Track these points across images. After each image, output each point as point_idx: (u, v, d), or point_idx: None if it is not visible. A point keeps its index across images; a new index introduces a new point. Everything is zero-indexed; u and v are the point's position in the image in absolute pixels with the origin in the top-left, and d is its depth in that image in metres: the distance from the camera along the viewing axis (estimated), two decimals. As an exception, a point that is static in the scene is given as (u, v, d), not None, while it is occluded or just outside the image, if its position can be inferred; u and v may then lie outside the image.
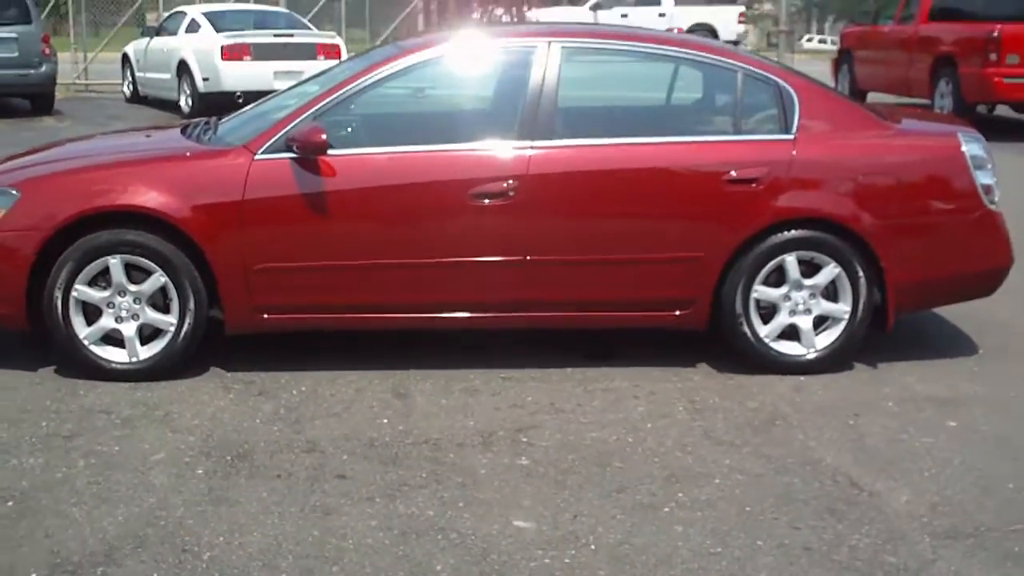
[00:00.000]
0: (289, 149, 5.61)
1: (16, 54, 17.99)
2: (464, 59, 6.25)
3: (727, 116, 6.13)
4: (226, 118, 6.59)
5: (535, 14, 31.15)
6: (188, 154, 5.93)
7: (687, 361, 5.97)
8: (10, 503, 4.31)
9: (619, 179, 5.75)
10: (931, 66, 16.92)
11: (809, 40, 58.55)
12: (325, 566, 3.83)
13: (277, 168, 5.62)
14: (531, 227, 5.68)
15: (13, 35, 18.01)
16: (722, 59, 6.14)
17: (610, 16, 25.72)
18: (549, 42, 5.95)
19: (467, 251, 5.68)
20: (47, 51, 18.40)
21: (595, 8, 26.96)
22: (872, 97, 18.18)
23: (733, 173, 5.71)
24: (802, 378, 5.75)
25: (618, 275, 5.77)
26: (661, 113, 6.67)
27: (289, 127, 5.67)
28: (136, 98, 21.13)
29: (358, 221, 5.68)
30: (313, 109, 5.76)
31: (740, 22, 31.20)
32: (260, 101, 6.84)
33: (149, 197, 5.55)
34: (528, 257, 5.68)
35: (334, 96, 5.82)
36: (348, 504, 4.32)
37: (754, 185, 5.70)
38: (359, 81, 5.87)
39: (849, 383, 5.74)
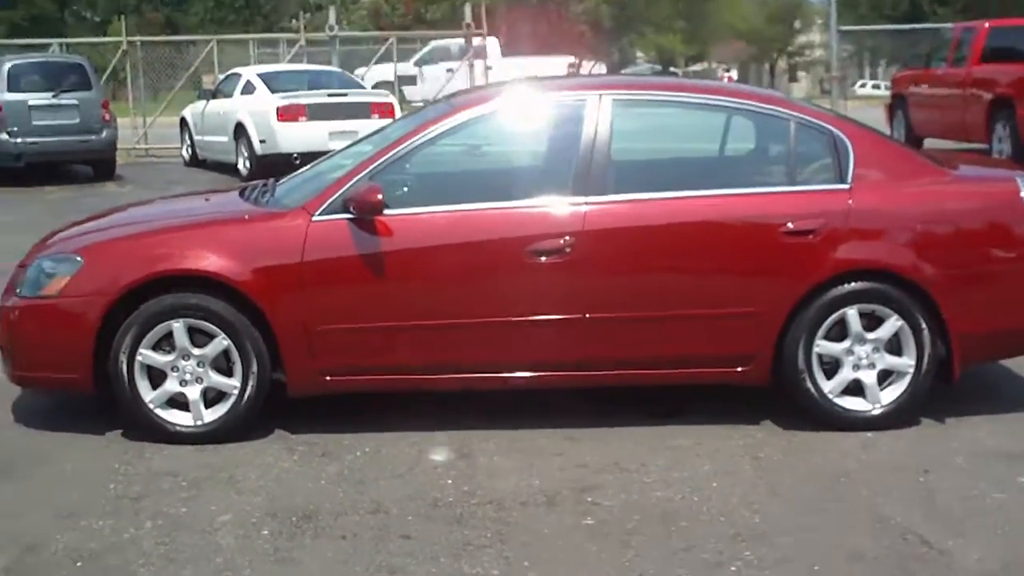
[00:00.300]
0: (346, 210, 5.66)
1: (77, 120, 18.29)
2: (515, 115, 6.29)
3: (781, 166, 6.11)
4: (283, 180, 6.67)
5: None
6: (247, 217, 6.00)
7: (751, 418, 5.92)
8: (79, 564, 4.37)
9: (675, 233, 5.74)
10: (987, 109, 16.70)
11: (862, 86, 58.45)
12: (392, 630, 3.83)
13: (335, 229, 5.67)
14: (589, 284, 5.68)
15: (74, 102, 18.33)
16: (774, 108, 6.13)
17: (436, 70, 25.22)
18: (600, 95, 5.97)
19: (525, 309, 5.69)
20: (107, 117, 18.68)
21: (420, 64, 26.79)
22: (929, 143, 18.03)
23: (790, 225, 5.68)
24: (869, 434, 5.67)
25: (677, 331, 5.74)
26: (715, 164, 6.65)
27: (345, 188, 5.72)
28: (195, 161, 21.39)
29: (416, 280, 5.71)
30: (368, 169, 5.81)
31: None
32: (316, 162, 6.91)
33: (210, 261, 5.62)
34: (587, 315, 5.67)
35: (388, 155, 5.87)
36: (413, 564, 4.32)
37: (811, 237, 5.67)
38: (413, 140, 5.92)
39: (917, 438, 5.67)
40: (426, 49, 27.48)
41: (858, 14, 51.03)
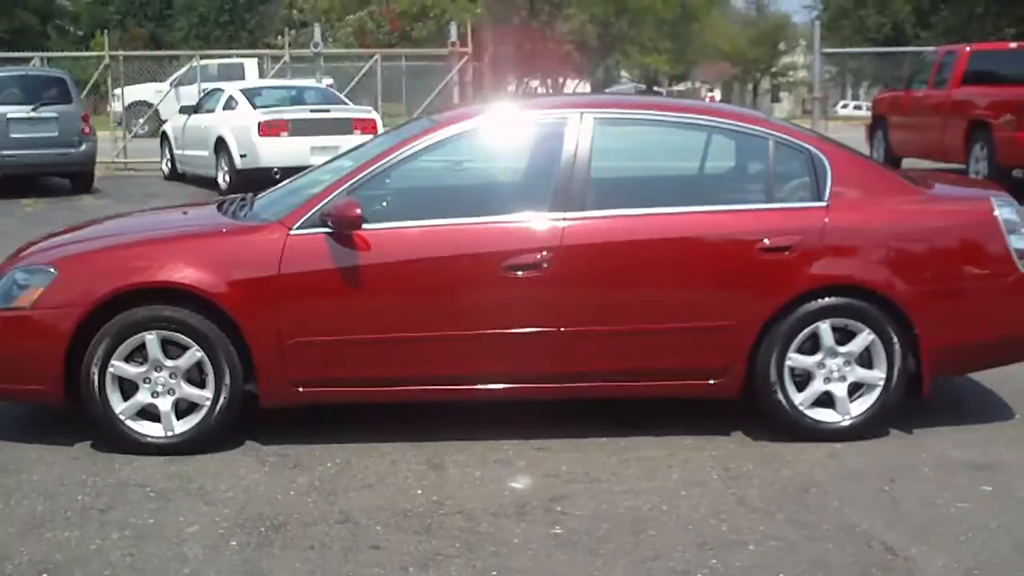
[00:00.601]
0: (324, 224, 5.67)
1: (56, 134, 18.26)
2: (496, 132, 6.31)
3: (759, 184, 6.13)
4: (262, 194, 6.68)
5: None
6: (224, 230, 6.01)
7: (721, 429, 5.95)
8: (44, 575, 4.34)
9: (652, 249, 5.78)
10: (965, 131, 16.86)
11: (844, 107, 58.73)
12: (358, 638, 3.83)
13: (312, 243, 5.68)
14: (565, 298, 5.70)
15: (54, 115, 18.30)
16: (753, 127, 6.18)
17: (190, 91, 24.76)
18: (581, 113, 6.01)
19: (501, 323, 5.71)
20: (87, 130, 18.64)
21: (176, 84, 26.71)
22: (907, 163, 18.15)
23: (766, 241, 5.72)
24: (837, 445, 5.72)
25: (652, 345, 5.77)
26: (694, 182, 6.69)
27: (324, 202, 5.73)
28: (174, 175, 21.34)
29: (393, 295, 5.72)
30: (347, 184, 5.82)
31: None
32: (295, 177, 6.93)
33: (185, 273, 5.62)
34: (562, 328, 5.69)
35: (368, 171, 5.89)
36: (382, 574, 4.32)
37: (787, 253, 5.72)
38: (393, 156, 5.94)
39: (884, 449, 5.71)
40: (183, 70, 27.30)
41: (841, 36, 51.34)
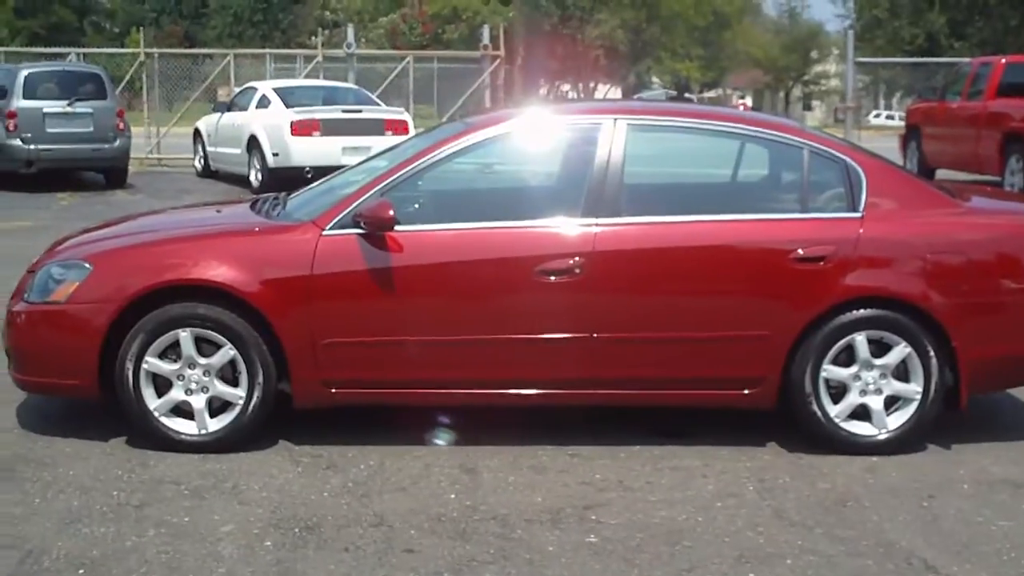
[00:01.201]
0: (357, 225, 5.66)
1: (91, 129, 18.41)
2: (530, 136, 6.29)
3: (794, 193, 6.09)
4: (295, 194, 6.68)
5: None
6: (257, 229, 6.01)
7: (757, 440, 5.91)
8: (81, 571, 4.35)
9: (685, 257, 5.74)
10: (1000, 142, 16.79)
11: (876, 116, 58.52)
12: (392, 643, 3.81)
13: (345, 244, 5.67)
14: (598, 304, 5.68)
15: (89, 110, 18.45)
16: (788, 136, 6.14)
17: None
18: (615, 119, 5.98)
19: (533, 328, 5.69)
20: (121, 126, 18.80)
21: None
22: (941, 174, 18.06)
23: (800, 251, 5.68)
24: (874, 459, 5.66)
25: (685, 353, 5.74)
26: (727, 190, 6.66)
27: (357, 203, 5.73)
28: (207, 173, 21.44)
29: (425, 297, 5.71)
30: (380, 185, 5.81)
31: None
32: (328, 177, 6.92)
33: (219, 271, 5.62)
34: (595, 335, 5.67)
35: (401, 172, 5.88)
36: (415, 579, 4.31)
37: (822, 263, 5.67)
38: (426, 158, 5.93)
39: (923, 464, 5.65)
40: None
41: (875, 46, 51.05)
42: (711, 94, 74.71)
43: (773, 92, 76.57)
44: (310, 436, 5.87)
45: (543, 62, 49.02)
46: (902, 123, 22.96)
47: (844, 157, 5.99)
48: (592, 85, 53.77)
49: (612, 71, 56.33)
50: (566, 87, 52.81)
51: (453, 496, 5.16)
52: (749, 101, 73.25)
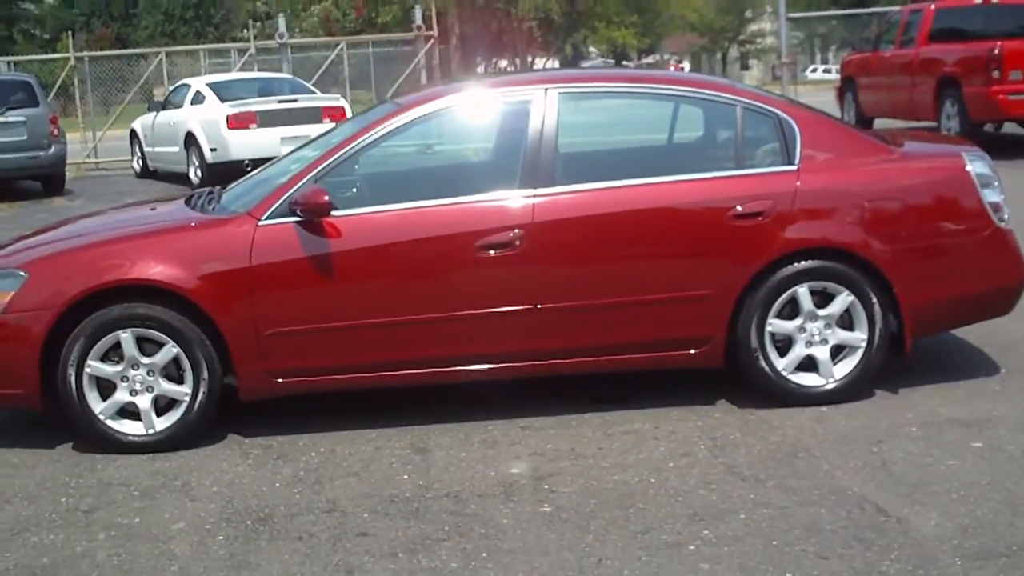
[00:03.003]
0: (293, 213, 5.62)
1: (25, 137, 18.17)
2: (462, 112, 6.24)
3: (729, 151, 6.10)
4: (229, 186, 6.62)
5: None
6: (193, 224, 5.95)
7: (707, 399, 5.92)
8: (32, 582, 4.30)
9: (624, 221, 5.74)
10: (935, 88, 16.88)
11: (814, 71, 58.77)
12: (350, 627, 3.79)
13: (282, 233, 5.63)
14: (540, 275, 5.66)
15: (21, 119, 18.20)
16: (720, 94, 6.15)
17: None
18: (546, 89, 5.96)
19: (477, 303, 5.67)
20: (55, 132, 18.57)
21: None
22: (879, 123, 18.16)
23: (738, 208, 5.69)
24: (823, 408, 5.70)
25: (630, 317, 5.74)
26: (663, 152, 6.66)
27: (291, 191, 5.68)
28: (146, 173, 21.25)
29: (366, 280, 5.68)
30: (314, 172, 5.77)
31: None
32: (262, 167, 6.87)
33: (156, 270, 5.56)
34: (539, 305, 5.66)
35: (335, 157, 5.84)
36: (371, 561, 4.29)
37: (760, 218, 5.69)
38: (359, 141, 5.89)
39: (871, 411, 5.69)
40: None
41: (808, 1, 51.28)
42: (649, 60, 74.77)
43: (710, 54, 76.71)
44: (260, 428, 5.83)
45: (478, 39, 48.83)
46: (838, 76, 23.06)
47: (777, 111, 6.00)
48: (530, 59, 53.62)
49: (548, 44, 56.15)
50: (503, 63, 52.63)
51: (406, 477, 5.14)
52: (686, 65, 73.36)
